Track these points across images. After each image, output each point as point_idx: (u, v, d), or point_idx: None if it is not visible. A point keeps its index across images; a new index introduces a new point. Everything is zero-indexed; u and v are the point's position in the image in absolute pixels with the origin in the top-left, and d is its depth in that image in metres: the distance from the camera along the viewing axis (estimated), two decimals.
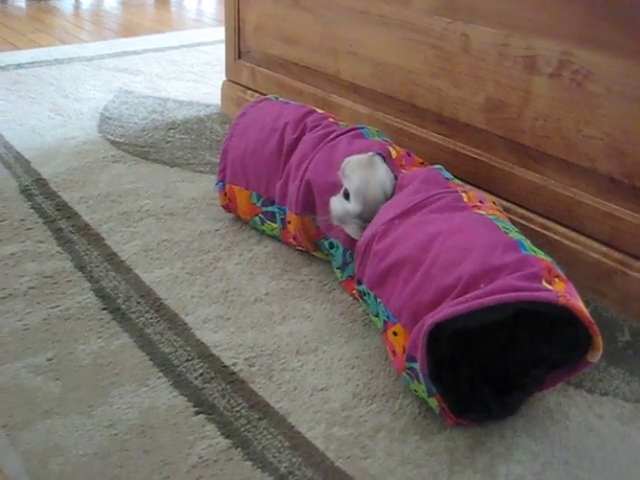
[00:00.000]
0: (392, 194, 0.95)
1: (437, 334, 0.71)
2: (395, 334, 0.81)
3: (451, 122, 1.17)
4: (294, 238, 1.09)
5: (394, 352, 0.82)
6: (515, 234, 0.79)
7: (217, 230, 1.19)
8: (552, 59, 0.99)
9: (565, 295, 0.69)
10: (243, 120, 1.17)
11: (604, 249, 1.01)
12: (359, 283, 0.90)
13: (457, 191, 0.87)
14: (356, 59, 1.32)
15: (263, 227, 1.15)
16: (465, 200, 0.86)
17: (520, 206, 1.10)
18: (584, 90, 0.97)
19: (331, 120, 1.10)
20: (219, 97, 1.78)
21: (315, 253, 1.09)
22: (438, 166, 0.98)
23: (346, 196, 0.95)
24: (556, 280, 0.72)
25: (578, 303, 0.71)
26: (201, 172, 1.41)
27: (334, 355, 0.89)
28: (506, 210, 1.10)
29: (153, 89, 1.94)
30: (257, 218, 1.15)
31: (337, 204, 0.95)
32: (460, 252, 0.75)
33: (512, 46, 1.04)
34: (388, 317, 0.83)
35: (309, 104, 1.42)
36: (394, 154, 1.00)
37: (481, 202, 0.87)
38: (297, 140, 1.08)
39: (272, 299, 1.01)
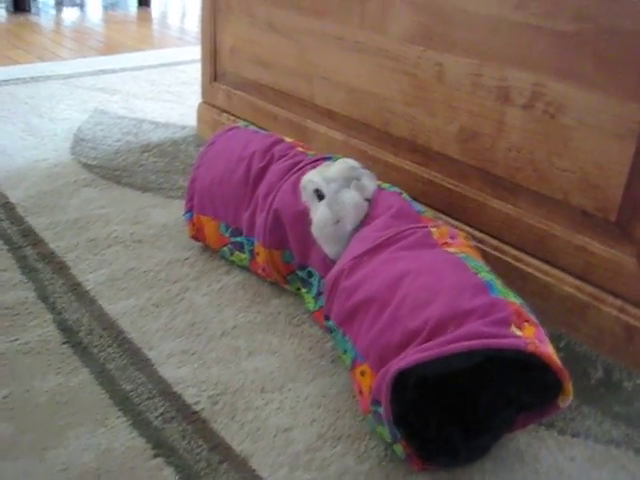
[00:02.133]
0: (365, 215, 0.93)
1: (403, 379, 0.69)
2: (362, 374, 0.79)
3: (425, 151, 1.16)
4: (263, 270, 1.06)
5: (361, 392, 0.80)
6: (485, 274, 0.77)
7: (186, 259, 1.16)
8: (525, 90, 0.98)
9: (534, 342, 0.67)
10: (211, 149, 1.15)
11: (577, 283, 0.99)
12: (327, 319, 0.88)
13: (427, 227, 0.86)
14: (331, 85, 1.31)
15: (232, 257, 1.13)
16: (435, 237, 0.84)
17: (493, 237, 1.09)
18: (557, 122, 0.95)
19: (299, 149, 1.08)
20: (195, 119, 1.76)
21: (285, 286, 1.07)
22: (406, 195, 0.96)
23: (319, 197, 0.95)
24: (525, 325, 0.71)
25: (547, 349, 0.69)
26: (173, 197, 1.38)
27: (300, 393, 0.87)
28: (479, 241, 1.09)
29: (129, 109, 1.92)
30: (226, 248, 1.13)
31: (316, 221, 0.95)
32: (428, 293, 0.73)
33: (485, 76, 1.03)
34: (356, 356, 0.81)
35: (284, 129, 1.41)
36: None
37: (452, 238, 0.85)
38: (264, 169, 1.06)
39: (239, 333, 0.98)
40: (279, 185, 1.01)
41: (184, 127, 1.79)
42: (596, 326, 0.98)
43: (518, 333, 0.68)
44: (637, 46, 0.85)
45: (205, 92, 1.69)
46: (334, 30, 1.27)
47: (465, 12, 1.03)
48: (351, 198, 0.92)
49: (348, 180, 0.94)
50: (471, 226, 1.11)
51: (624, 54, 0.86)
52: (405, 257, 0.80)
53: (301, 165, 1.02)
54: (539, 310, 1.04)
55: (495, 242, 1.08)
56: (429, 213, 0.93)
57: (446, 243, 0.83)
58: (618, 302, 0.95)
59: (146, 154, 1.59)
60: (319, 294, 0.97)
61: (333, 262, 0.93)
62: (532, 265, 1.04)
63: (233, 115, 1.60)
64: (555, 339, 1.01)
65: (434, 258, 0.79)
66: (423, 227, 0.85)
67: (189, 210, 1.16)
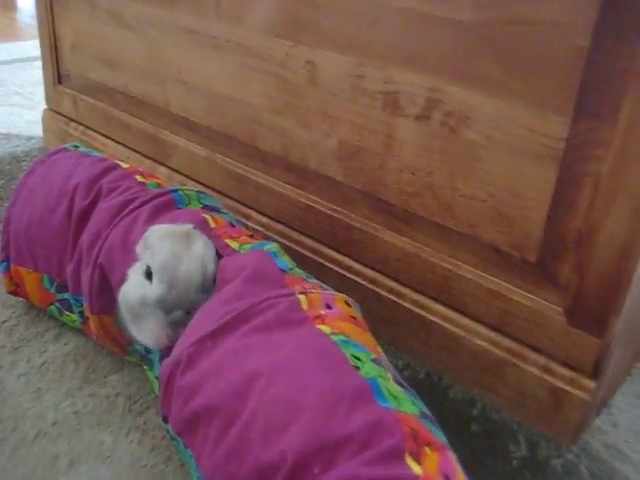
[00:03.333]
0: (212, 280, 0.70)
1: None
2: None
3: (300, 170, 0.93)
4: (97, 337, 0.82)
5: None
6: (369, 367, 0.56)
7: (4, 322, 0.90)
8: (418, 97, 0.77)
9: None
10: (29, 180, 0.90)
11: (492, 335, 0.80)
12: (164, 420, 0.64)
13: (294, 293, 0.63)
14: (187, 89, 1.06)
15: (62, 318, 0.88)
16: (304, 308, 0.62)
17: (389, 277, 0.88)
18: (459, 138, 0.75)
19: (137, 179, 0.84)
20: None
21: (127, 357, 0.83)
22: (272, 246, 0.74)
23: (148, 275, 0.69)
24: (426, 451, 0.49)
25: None
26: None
27: None
28: (371, 281, 0.88)
29: None
30: (53, 307, 0.88)
31: (131, 288, 0.70)
32: (287, 409, 0.51)
33: (368, 78, 0.81)
34: (199, 478, 0.58)
35: (139, 141, 1.16)
36: (212, 224, 0.75)
37: (327, 308, 0.63)
38: (89, 208, 0.81)
39: (60, 431, 0.74)
40: (106, 233, 0.77)
41: (30, 138, 1.51)
42: (516, 388, 0.79)
43: (415, 469, 0.47)
44: (558, 40, 0.65)
45: (49, 97, 1.41)
46: (186, 22, 1.02)
47: None
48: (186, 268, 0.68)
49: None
50: (360, 262, 0.90)
51: (542, 50, 0.66)
52: (259, 345, 0.58)
53: (136, 204, 0.78)
54: (446, 367, 0.85)
55: (391, 283, 0.87)
56: (297, 271, 0.71)
57: (319, 317, 0.61)
58: (542, 359, 0.76)
59: None
60: None
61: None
62: (436, 312, 0.84)
63: (82, 124, 1.33)
64: (467, 404, 0.82)
65: (298, 348, 0.57)
66: (288, 295, 0.63)
67: (4, 260, 0.90)
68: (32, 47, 2.30)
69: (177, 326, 0.67)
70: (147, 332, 0.68)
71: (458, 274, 0.80)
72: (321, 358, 0.55)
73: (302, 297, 0.63)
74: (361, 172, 0.86)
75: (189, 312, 0.67)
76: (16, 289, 0.91)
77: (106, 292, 0.76)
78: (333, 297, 0.65)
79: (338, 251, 0.92)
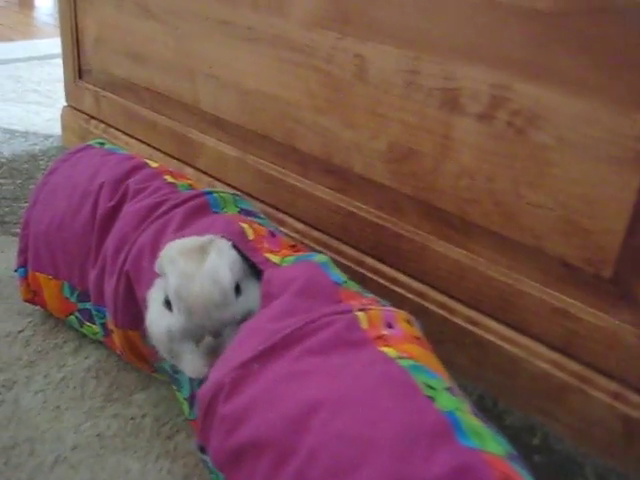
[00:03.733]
0: (235, 289, 0.62)
1: None
2: None
3: (343, 173, 0.86)
4: (122, 353, 0.75)
5: None
6: (445, 398, 0.49)
7: (20, 332, 0.84)
8: (481, 94, 0.70)
9: None
10: (50, 180, 0.83)
11: (555, 357, 0.72)
12: (202, 451, 0.57)
13: (352, 310, 0.56)
14: (218, 85, 1.00)
15: (83, 329, 0.81)
16: (364, 327, 0.55)
17: (438, 290, 0.80)
18: (527, 139, 0.68)
19: (167, 179, 0.77)
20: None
21: (154, 375, 0.76)
22: (321, 257, 0.67)
23: (167, 304, 0.62)
24: None
25: None
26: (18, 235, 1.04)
27: None
28: (419, 295, 0.81)
29: None
30: (73, 318, 0.81)
31: (155, 319, 0.62)
32: (355, 447, 0.44)
33: (424, 74, 0.74)
34: None
35: (165, 141, 1.10)
36: (251, 235, 0.68)
37: (389, 327, 0.56)
38: (115, 210, 0.74)
39: (81, 457, 0.67)
40: (134, 238, 0.70)
41: (49, 137, 1.45)
42: (582, 416, 0.71)
43: None
44: None
45: (69, 94, 1.35)
46: (219, 12, 0.96)
47: None
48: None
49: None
50: (408, 274, 0.83)
51: (630, 42, 0.59)
52: (317, 370, 0.51)
53: (167, 207, 0.71)
54: (502, 390, 0.78)
55: (441, 297, 0.80)
56: (351, 284, 0.64)
57: (381, 338, 0.54)
58: (612, 385, 0.69)
59: None
60: (193, 397, 0.67)
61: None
62: (492, 330, 0.77)
63: (103, 122, 1.27)
64: (526, 432, 0.75)
65: (363, 374, 0.49)
66: (345, 312, 0.56)
67: (22, 265, 0.83)
68: (49, 45, 2.24)
69: (213, 353, 0.59)
70: (185, 366, 0.60)
71: (518, 289, 0.73)
72: (391, 387, 0.48)
73: (361, 314, 0.56)
74: (412, 176, 0.79)
75: (220, 333, 0.59)
76: (34, 297, 0.84)
77: (132, 304, 0.69)
78: (394, 315, 0.58)
79: (383, 262, 0.84)
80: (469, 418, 0.47)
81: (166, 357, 0.62)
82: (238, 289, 0.62)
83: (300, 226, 0.93)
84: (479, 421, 0.48)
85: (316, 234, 0.91)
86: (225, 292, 0.60)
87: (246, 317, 0.60)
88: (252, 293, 0.63)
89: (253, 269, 0.66)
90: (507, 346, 0.75)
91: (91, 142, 0.89)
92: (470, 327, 0.78)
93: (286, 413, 0.48)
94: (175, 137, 1.10)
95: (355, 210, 0.86)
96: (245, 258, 0.65)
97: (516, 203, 0.71)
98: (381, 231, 0.84)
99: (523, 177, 0.69)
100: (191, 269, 0.60)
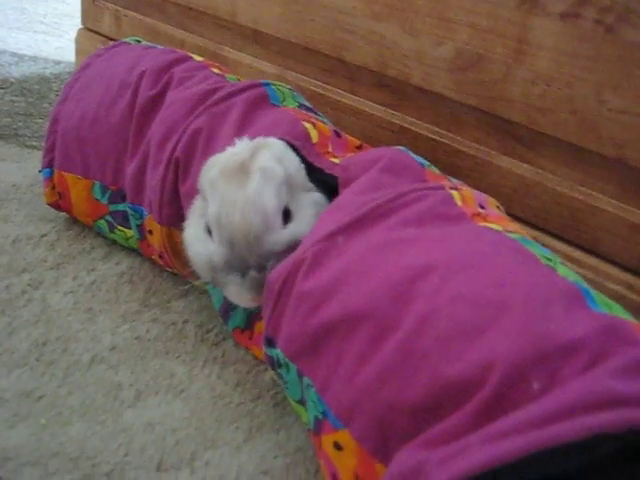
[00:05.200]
0: (283, 212, 0.55)
1: None
2: (338, 448, 0.44)
3: (399, 86, 0.81)
4: (160, 256, 0.69)
5: (335, 477, 0.45)
6: (565, 270, 0.44)
7: (43, 236, 0.78)
8: None
9: None
10: (84, 75, 0.76)
11: (629, 278, 0.68)
12: (270, 344, 0.52)
13: (444, 187, 0.51)
14: None
15: (113, 235, 0.75)
16: (459, 203, 0.50)
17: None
18: (617, 39, 0.63)
19: (214, 71, 0.71)
20: (74, 52, 1.34)
21: (194, 282, 0.70)
22: (399, 147, 0.61)
23: (208, 231, 0.56)
24: None
25: None
26: (33, 148, 0.98)
27: (224, 471, 0.51)
28: None
29: None
30: (103, 222, 0.75)
31: (199, 246, 0.56)
32: (480, 309, 0.39)
33: None
34: (325, 414, 0.46)
35: None
36: (315, 137, 0.62)
37: (482, 207, 0.51)
38: (157, 99, 0.68)
39: (121, 358, 0.61)
40: (185, 124, 0.63)
41: (59, 62, 1.38)
42: None
43: None
44: None
45: (86, 15, 1.27)
46: None
47: None
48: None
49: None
50: None
51: None
52: (419, 238, 0.45)
53: (223, 94, 0.65)
54: None
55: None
56: (435, 169, 0.59)
57: (478, 215, 0.49)
58: None
59: (0, 91, 1.17)
60: (228, 310, 0.61)
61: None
62: (559, 251, 0.72)
63: None
64: None
65: (474, 242, 0.44)
66: (437, 188, 0.50)
67: (47, 165, 0.77)
68: None
69: (259, 286, 0.53)
70: (232, 297, 0.54)
71: (592, 206, 0.68)
72: (508, 252, 0.43)
73: (454, 192, 0.50)
74: (479, 85, 0.73)
75: (265, 266, 0.53)
76: (58, 200, 0.78)
77: (179, 198, 0.64)
78: (484, 197, 0.53)
79: None
80: (593, 290, 0.43)
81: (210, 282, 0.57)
82: (287, 215, 0.55)
83: None
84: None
85: None
86: (269, 221, 0.53)
87: (296, 245, 0.53)
88: (307, 213, 0.56)
89: (316, 175, 0.59)
90: (575, 268, 0.70)
91: (126, 39, 0.83)
92: None
93: (385, 281, 0.43)
94: (206, 55, 1.03)
95: (408, 126, 0.81)
96: (307, 164, 0.59)
97: (597, 110, 0.66)
98: (437, 147, 0.78)
99: (607, 81, 0.64)
100: (232, 194, 0.53)
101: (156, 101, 0.69)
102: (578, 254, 0.71)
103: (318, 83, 0.89)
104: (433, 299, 0.40)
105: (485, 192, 0.75)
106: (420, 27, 0.76)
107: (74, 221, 0.80)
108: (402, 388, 0.40)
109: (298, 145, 0.60)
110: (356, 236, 0.47)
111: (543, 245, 0.72)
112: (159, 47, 0.79)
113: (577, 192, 0.69)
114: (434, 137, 0.78)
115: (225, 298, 0.58)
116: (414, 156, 0.58)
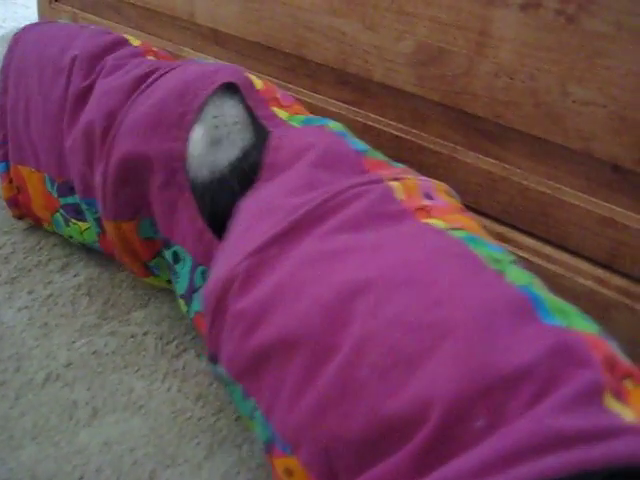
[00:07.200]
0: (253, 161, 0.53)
1: None
2: (289, 473, 0.42)
3: (360, 83, 0.79)
4: (116, 252, 0.66)
5: None
6: (515, 272, 0.42)
7: None
8: None
9: None
10: (16, 54, 0.73)
11: (599, 273, 0.67)
12: (212, 360, 0.49)
13: (382, 180, 0.48)
14: None
15: (69, 229, 0.72)
16: (399, 197, 0.47)
17: (467, 206, 0.73)
18: (578, 29, 0.61)
19: (150, 58, 0.69)
20: None
21: (146, 280, 0.67)
22: (335, 125, 0.59)
23: None
24: (627, 384, 0.35)
25: None
26: None
27: None
28: None
29: None
30: (58, 215, 0.72)
31: None
32: (419, 333, 0.36)
33: None
34: (273, 439, 0.43)
35: None
36: (259, 85, 0.60)
37: (429, 198, 0.49)
38: (90, 90, 0.66)
39: (77, 375, 0.59)
40: (123, 113, 0.61)
41: None
42: (628, 334, 0.66)
43: (626, 415, 0.33)
44: None
45: (43, 18, 1.24)
46: None
47: None
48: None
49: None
50: None
51: None
52: (355, 248, 0.42)
53: (156, 75, 0.62)
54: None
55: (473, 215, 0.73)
56: (376, 153, 0.56)
57: (422, 209, 0.47)
58: None
59: None
60: (192, 291, 0.58)
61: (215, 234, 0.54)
62: (527, 247, 0.71)
63: None
64: None
65: (413, 250, 0.42)
66: (375, 181, 0.48)
67: (2, 159, 0.74)
68: None
69: None
70: None
71: (560, 199, 0.67)
72: (449, 261, 0.40)
73: (395, 184, 0.48)
74: (441, 80, 0.72)
75: None
76: (17, 195, 0.74)
77: (126, 190, 0.60)
78: (431, 185, 0.51)
79: None
80: (547, 294, 0.41)
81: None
82: None
83: None
84: (557, 297, 0.41)
85: None
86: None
87: None
88: None
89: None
90: (544, 263, 0.69)
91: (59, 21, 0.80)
92: (503, 244, 0.72)
93: (318, 301, 0.40)
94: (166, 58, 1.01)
95: (372, 123, 0.79)
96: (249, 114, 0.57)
97: (561, 102, 0.64)
98: (402, 144, 0.77)
99: (571, 72, 0.63)
100: None
101: (88, 93, 0.66)
102: (548, 249, 0.69)
103: (279, 82, 0.87)
104: (369, 321, 0.38)
105: (453, 189, 0.74)
106: (380, 22, 0.75)
107: (30, 232, 0.77)
108: (343, 418, 0.37)
109: (239, 87, 0.58)
110: (289, 247, 0.44)
111: (511, 242, 0.71)
112: (92, 27, 0.76)
113: (545, 186, 0.68)
114: (398, 134, 0.77)
115: (191, 280, 0.56)
116: (350, 141, 0.55)
